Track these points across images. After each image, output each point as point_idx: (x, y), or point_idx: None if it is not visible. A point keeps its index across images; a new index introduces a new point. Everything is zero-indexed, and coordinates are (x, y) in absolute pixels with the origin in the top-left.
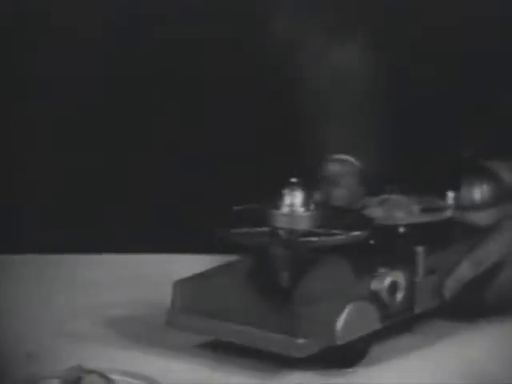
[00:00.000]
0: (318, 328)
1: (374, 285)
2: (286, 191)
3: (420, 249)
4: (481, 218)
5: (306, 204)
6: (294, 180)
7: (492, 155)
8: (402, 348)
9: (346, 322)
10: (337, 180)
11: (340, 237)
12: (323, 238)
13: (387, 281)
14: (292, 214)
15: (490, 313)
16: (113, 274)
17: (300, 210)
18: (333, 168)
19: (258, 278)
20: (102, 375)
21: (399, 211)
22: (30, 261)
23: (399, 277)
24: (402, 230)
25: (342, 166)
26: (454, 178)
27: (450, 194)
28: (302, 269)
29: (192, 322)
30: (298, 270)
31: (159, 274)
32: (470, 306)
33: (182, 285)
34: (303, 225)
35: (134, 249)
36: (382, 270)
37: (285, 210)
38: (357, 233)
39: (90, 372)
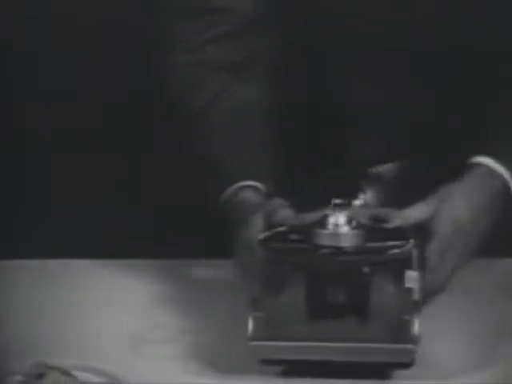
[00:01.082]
0: (407, 335)
1: (414, 288)
2: (329, 211)
3: (415, 249)
4: (412, 216)
5: (349, 222)
6: (337, 201)
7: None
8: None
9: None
10: (250, 206)
11: (396, 250)
12: (384, 253)
13: (419, 282)
14: (340, 233)
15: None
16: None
17: (346, 228)
18: (245, 194)
19: (320, 295)
20: (65, 371)
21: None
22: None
23: (417, 277)
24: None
25: (253, 191)
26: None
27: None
28: (363, 283)
29: (278, 349)
30: (360, 284)
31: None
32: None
33: (258, 313)
34: (351, 242)
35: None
36: (411, 274)
37: (331, 228)
38: (409, 246)
39: (53, 368)
